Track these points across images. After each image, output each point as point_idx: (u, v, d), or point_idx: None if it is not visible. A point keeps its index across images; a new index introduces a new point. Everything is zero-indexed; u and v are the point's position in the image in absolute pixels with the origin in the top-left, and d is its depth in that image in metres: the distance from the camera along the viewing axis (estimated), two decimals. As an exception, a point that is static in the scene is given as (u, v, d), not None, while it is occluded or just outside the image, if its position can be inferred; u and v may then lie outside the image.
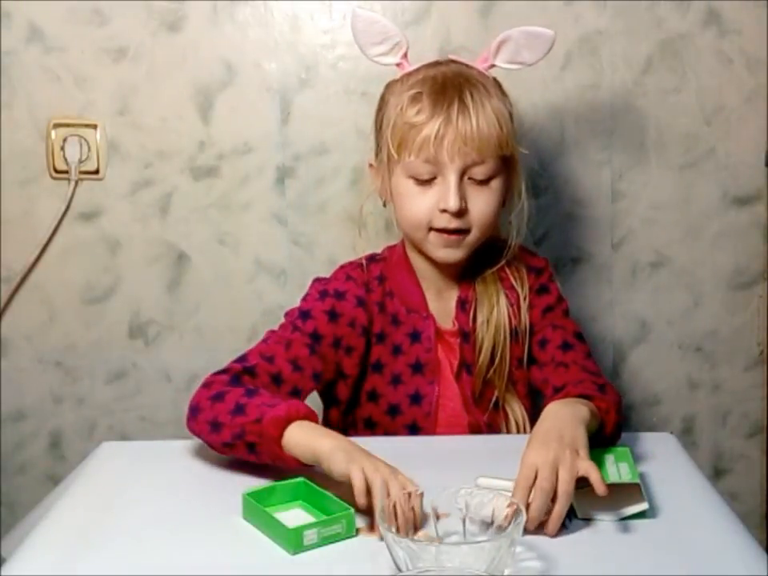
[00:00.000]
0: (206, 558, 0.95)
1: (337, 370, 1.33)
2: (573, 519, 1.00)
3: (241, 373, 1.23)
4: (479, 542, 0.90)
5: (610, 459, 1.07)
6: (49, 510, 1.09)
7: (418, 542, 0.87)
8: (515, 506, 0.91)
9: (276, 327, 1.32)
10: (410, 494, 0.96)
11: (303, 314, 1.31)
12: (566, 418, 1.07)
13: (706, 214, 1.74)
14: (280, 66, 1.67)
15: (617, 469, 1.05)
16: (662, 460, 1.10)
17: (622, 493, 1.01)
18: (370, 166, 1.36)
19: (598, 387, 1.19)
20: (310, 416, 1.11)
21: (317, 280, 1.37)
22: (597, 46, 1.67)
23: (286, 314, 1.33)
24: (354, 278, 1.35)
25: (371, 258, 1.39)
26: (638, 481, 1.02)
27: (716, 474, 1.81)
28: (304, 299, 1.34)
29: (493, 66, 1.32)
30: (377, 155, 1.34)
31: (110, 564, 0.94)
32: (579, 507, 1.00)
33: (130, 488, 1.12)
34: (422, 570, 0.83)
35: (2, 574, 0.93)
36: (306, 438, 1.08)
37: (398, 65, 1.33)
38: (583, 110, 1.69)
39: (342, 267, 1.38)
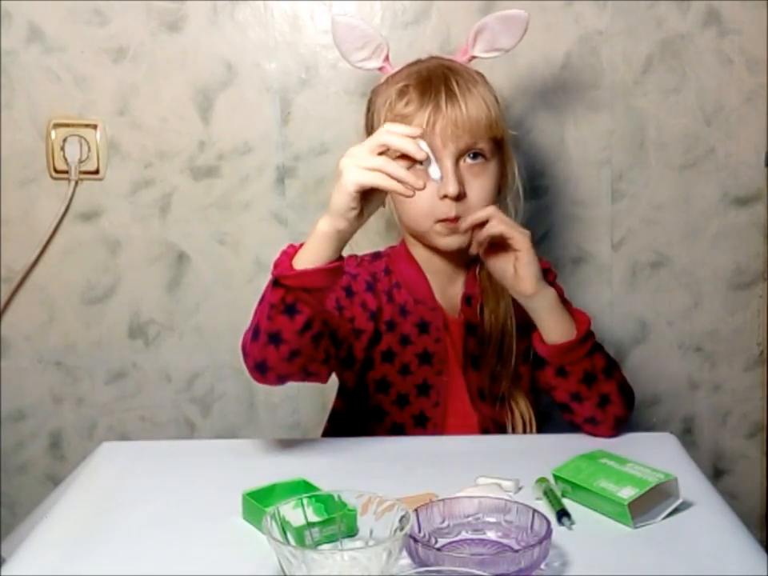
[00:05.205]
0: (205, 558, 0.95)
1: (347, 352, 1.32)
2: (573, 522, 1.00)
3: None
4: (354, 549, 0.90)
5: (629, 466, 1.06)
6: (49, 510, 1.09)
7: (296, 549, 0.86)
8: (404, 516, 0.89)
9: None
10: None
11: None
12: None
13: (705, 214, 1.74)
14: (280, 65, 1.67)
15: (641, 472, 1.04)
16: (662, 460, 1.10)
17: (659, 493, 1.02)
18: None
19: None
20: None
21: None
22: (597, 46, 1.67)
23: None
24: (363, 265, 1.37)
25: (375, 256, 1.41)
26: (673, 476, 1.02)
27: (716, 474, 1.81)
28: None
29: (473, 57, 1.35)
30: None
31: (110, 564, 0.94)
32: (634, 519, 0.99)
33: (130, 488, 1.12)
34: (422, 570, 0.83)
35: (2, 574, 0.93)
36: (308, 248, 1.14)
37: (380, 68, 1.36)
38: (583, 110, 1.69)
39: (349, 257, 1.36)
